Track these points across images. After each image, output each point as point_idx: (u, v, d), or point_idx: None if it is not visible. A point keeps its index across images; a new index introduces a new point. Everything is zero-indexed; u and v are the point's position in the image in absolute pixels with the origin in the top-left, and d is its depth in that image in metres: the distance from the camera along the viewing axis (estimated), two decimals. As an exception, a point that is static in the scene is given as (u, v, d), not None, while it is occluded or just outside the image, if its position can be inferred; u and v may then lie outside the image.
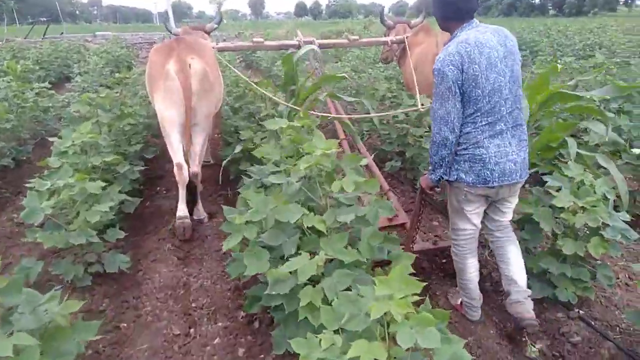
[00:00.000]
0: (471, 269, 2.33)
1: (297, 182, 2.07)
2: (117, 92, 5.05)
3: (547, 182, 2.47)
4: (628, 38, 13.06)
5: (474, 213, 2.25)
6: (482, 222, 2.33)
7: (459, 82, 1.99)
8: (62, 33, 21.18)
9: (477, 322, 2.40)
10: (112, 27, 40.90)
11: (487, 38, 2.01)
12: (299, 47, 4.70)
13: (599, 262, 2.33)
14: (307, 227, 1.85)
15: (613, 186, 2.37)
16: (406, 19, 5.34)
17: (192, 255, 3.23)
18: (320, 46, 4.87)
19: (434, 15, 2.27)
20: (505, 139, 2.07)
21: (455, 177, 2.15)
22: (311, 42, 4.75)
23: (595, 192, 2.28)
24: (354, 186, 1.89)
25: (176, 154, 3.36)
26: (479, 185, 2.10)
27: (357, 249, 1.84)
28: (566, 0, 73.09)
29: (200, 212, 3.66)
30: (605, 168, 2.46)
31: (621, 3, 71.48)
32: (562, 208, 2.22)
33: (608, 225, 2.17)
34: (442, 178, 2.22)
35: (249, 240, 2.00)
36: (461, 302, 2.47)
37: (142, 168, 3.83)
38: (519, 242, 2.36)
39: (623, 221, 2.25)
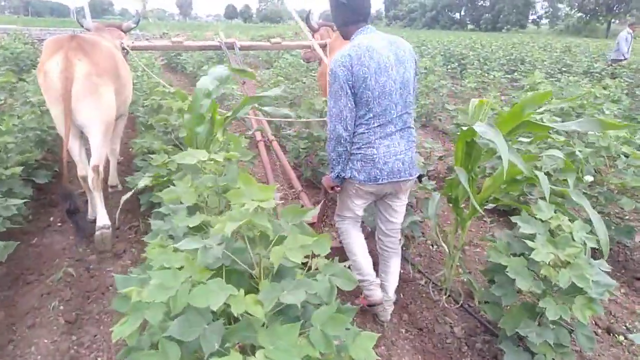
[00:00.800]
0: (357, 241, 2.51)
1: (218, 244, 1.51)
2: (4, 97, 4.17)
3: (515, 223, 2.13)
4: (547, 55, 13.83)
5: (360, 207, 2.44)
6: (376, 226, 2.56)
7: (349, 82, 2.11)
8: (-47, 25, 18.50)
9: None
10: (20, 20, 37.04)
11: (379, 45, 2.15)
12: (219, 47, 4.81)
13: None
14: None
15: (590, 230, 2.08)
16: (330, 23, 5.30)
17: (87, 315, 2.51)
18: (242, 48, 4.93)
19: (335, 23, 2.42)
20: (394, 139, 2.23)
21: (349, 174, 2.29)
22: (232, 44, 4.81)
23: (573, 239, 1.96)
24: (301, 254, 1.38)
25: (77, 163, 3.29)
26: (369, 182, 2.25)
27: (309, 339, 1.31)
28: (483, 17, 78.18)
29: (104, 218, 3.27)
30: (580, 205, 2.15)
31: (530, 21, 77.63)
32: (540, 261, 1.87)
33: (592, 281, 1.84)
34: (340, 175, 2.32)
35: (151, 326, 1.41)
36: (362, 295, 2.58)
37: (22, 202, 3.00)
38: (488, 296, 2.23)
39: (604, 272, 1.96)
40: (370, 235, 2.81)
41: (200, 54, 10.36)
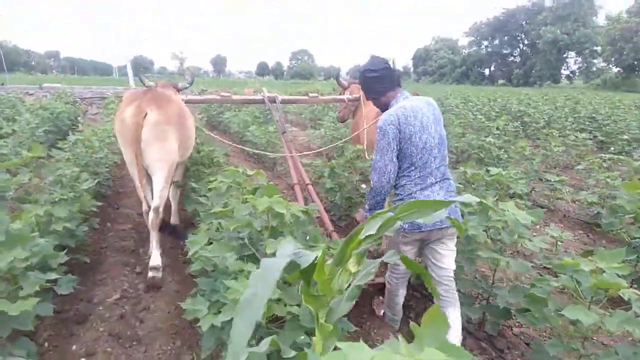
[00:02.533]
0: (400, 296, 2.78)
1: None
2: (30, 176, 3.36)
3: None
4: (620, 111, 12.64)
5: (410, 253, 2.59)
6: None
7: (397, 139, 2.42)
8: (2, 84, 18.84)
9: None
10: (66, 79, 38.68)
11: (420, 106, 2.47)
12: (263, 102, 5.12)
13: None
14: None
15: None
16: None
17: None
18: (283, 101, 5.25)
19: (368, 96, 2.71)
20: (434, 190, 2.47)
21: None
22: (274, 98, 5.10)
23: None
24: None
25: (143, 200, 3.77)
26: (414, 230, 2.46)
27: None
28: (514, 72, 78.09)
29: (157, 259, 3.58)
30: None
31: (563, 77, 76.88)
32: None
33: None
34: None
35: None
36: (384, 313, 2.94)
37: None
38: None
39: None
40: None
41: (245, 113, 9.75)
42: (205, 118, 13.32)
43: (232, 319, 1.82)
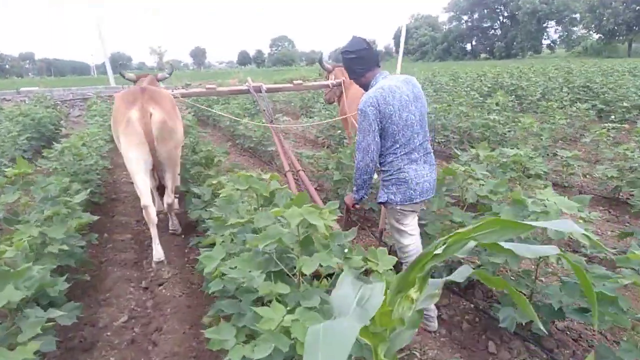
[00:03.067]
0: None
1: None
2: (18, 194, 3.04)
3: None
4: (612, 79, 12.50)
5: (412, 226, 2.69)
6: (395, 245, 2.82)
7: (377, 119, 2.49)
8: (-23, 90, 18.14)
9: None
10: (44, 82, 37.41)
11: (398, 85, 2.54)
12: (248, 92, 5.16)
13: None
14: None
15: None
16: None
17: None
18: (268, 90, 5.32)
19: (350, 76, 2.78)
20: (419, 164, 2.59)
21: (386, 199, 2.61)
22: (259, 87, 5.18)
23: None
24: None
25: (143, 195, 3.74)
26: (406, 202, 2.57)
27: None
28: (495, 45, 77.88)
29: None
30: None
31: (544, 47, 76.89)
32: None
33: None
34: (364, 197, 2.78)
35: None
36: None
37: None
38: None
39: None
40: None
41: (236, 106, 9.41)
42: (192, 113, 12.92)
43: (270, 355, 1.58)
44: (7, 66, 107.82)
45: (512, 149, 5.67)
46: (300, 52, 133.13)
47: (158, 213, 4.41)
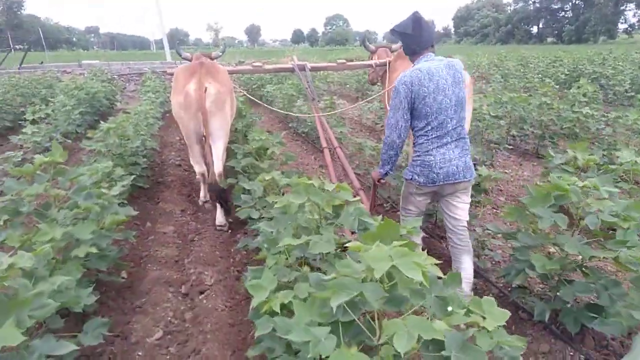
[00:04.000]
0: (417, 237, 2.53)
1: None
2: (46, 186, 2.69)
3: None
4: None
5: (422, 203, 2.82)
6: (443, 222, 2.92)
7: (408, 98, 2.55)
8: (41, 62, 18.62)
9: None
10: (105, 55, 38.63)
11: (438, 68, 2.55)
12: (293, 70, 5.30)
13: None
14: None
15: None
16: (387, 44, 5.64)
17: None
18: (312, 69, 5.44)
19: (406, 53, 2.82)
20: (449, 148, 2.59)
21: (410, 177, 2.71)
22: (304, 66, 5.25)
23: None
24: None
25: (198, 163, 4.24)
26: (428, 184, 2.64)
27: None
28: (564, 28, 72.69)
29: (222, 218, 4.10)
30: None
31: (621, 31, 70.92)
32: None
33: None
34: (389, 173, 2.88)
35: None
36: None
37: None
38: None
39: None
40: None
41: (290, 86, 8.91)
42: (242, 92, 12.58)
43: None
44: (73, 39, 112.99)
45: (608, 149, 4.84)
46: (354, 31, 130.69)
47: (203, 203, 4.70)
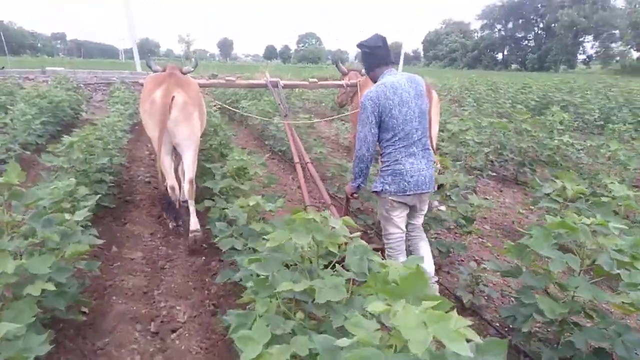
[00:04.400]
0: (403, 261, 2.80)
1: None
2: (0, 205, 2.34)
3: None
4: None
5: (400, 218, 2.85)
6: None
7: (375, 112, 2.68)
8: (2, 67, 17.64)
9: None
10: (71, 63, 37.24)
11: (400, 82, 2.71)
12: (266, 86, 5.38)
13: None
14: None
15: None
16: (358, 67, 5.81)
17: None
18: (285, 86, 5.51)
19: (365, 69, 3.06)
20: (417, 158, 2.72)
21: (381, 188, 2.77)
22: (276, 83, 5.34)
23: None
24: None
25: (168, 175, 4.08)
26: (399, 193, 2.72)
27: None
28: (527, 56, 75.85)
29: (196, 224, 3.95)
30: None
31: (579, 61, 74.59)
32: None
33: None
34: (361, 186, 2.98)
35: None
36: None
37: None
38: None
39: None
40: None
41: (266, 102, 8.69)
42: (215, 108, 12.27)
43: None
44: (39, 45, 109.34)
45: (589, 179, 4.83)
46: (327, 49, 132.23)
47: (175, 226, 4.36)
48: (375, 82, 2.90)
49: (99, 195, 3.58)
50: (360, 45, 2.91)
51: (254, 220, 2.88)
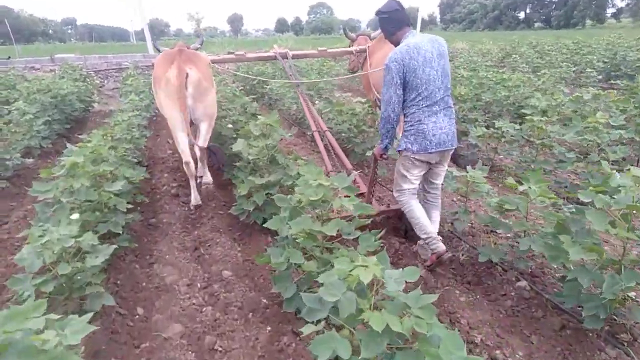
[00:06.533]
0: (417, 208, 2.98)
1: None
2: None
3: None
4: None
5: (416, 177, 2.96)
6: (421, 187, 3.14)
7: (400, 73, 2.70)
8: (9, 57, 16.52)
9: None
10: (81, 48, 36.05)
11: (423, 43, 2.73)
12: (275, 58, 5.51)
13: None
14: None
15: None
16: (366, 31, 5.87)
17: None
18: (294, 57, 5.64)
19: (384, 34, 3.05)
20: (439, 117, 2.77)
21: (404, 147, 2.84)
22: (285, 54, 5.49)
23: None
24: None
25: (184, 151, 4.16)
26: (421, 152, 2.80)
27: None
28: (552, 13, 71.96)
29: (208, 177, 4.57)
30: None
31: (609, 16, 70.49)
32: None
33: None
34: (389, 147, 3.00)
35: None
36: (430, 252, 3.01)
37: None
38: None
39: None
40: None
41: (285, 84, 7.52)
42: (240, 88, 10.97)
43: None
44: (50, 31, 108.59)
45: None
46: (339, 19, 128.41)
47: (195, 208, 4.34)
48: (396, 45, 2.91)
49: (113, 248, 2.43)
50: (378, 12, 2.94)
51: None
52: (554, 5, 73.83)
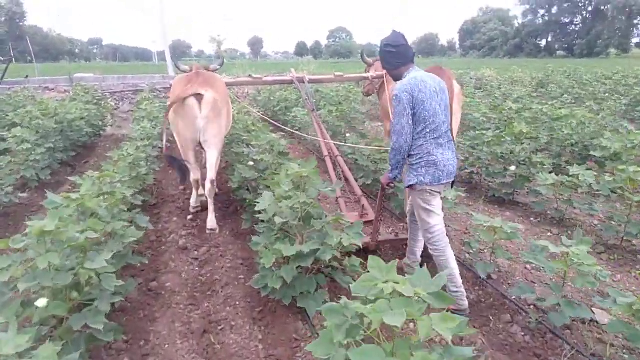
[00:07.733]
0: (452, 259, 2.89)
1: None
2: None
3: None
4: None
5: (438, 207, 2.91)
6: (409, 209, 3.27)
7: (410, 104, 2.73)
8: (27, 76, 16.25)
9: None
10: (101, 67, 36.22)
11: (426, 78, 2.82)
12: (292, 82, 5.49)
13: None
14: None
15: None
16: None
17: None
18: (311, 81, 5.61)
19: (385, 67, 3.07)
20: (445, 149, 2.84)
21: (416, 180, 2.82)
22: (302, 78, 5.45)
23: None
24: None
25: (194, 171, 4.41)
26: (434, 183, 2.80)
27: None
28: (575, 42, 71.06)
29: (213, 222, 4.35)
30: None
31: (633, 45, 69.34)
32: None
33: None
34: (397, 177, 3.00)
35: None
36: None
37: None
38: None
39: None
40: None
41: (331, 112, 6.72)
42: (261, 112, 10.26)
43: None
44: (76, 50, 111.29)
45: None
46: (358, 44, 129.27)
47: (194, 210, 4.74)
48: (396, 79, 2.99)
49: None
50: (386, 45, 2.92)
51: None
52: (577, 34, 72.96)
